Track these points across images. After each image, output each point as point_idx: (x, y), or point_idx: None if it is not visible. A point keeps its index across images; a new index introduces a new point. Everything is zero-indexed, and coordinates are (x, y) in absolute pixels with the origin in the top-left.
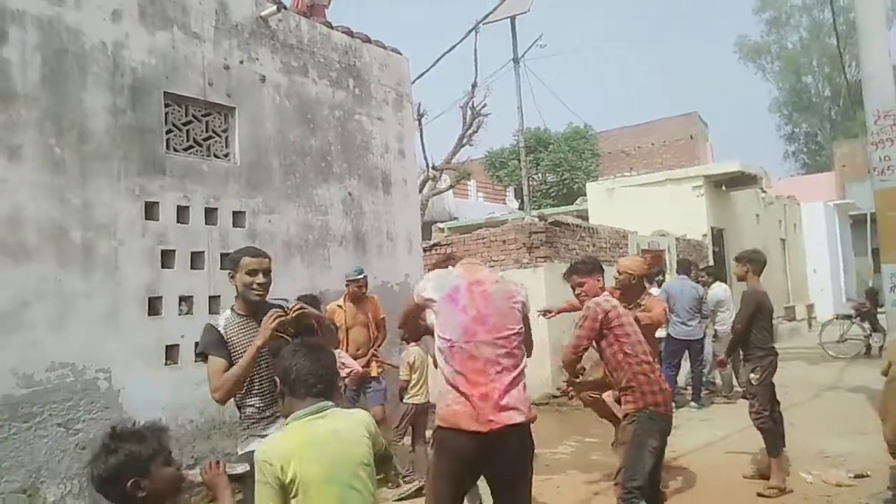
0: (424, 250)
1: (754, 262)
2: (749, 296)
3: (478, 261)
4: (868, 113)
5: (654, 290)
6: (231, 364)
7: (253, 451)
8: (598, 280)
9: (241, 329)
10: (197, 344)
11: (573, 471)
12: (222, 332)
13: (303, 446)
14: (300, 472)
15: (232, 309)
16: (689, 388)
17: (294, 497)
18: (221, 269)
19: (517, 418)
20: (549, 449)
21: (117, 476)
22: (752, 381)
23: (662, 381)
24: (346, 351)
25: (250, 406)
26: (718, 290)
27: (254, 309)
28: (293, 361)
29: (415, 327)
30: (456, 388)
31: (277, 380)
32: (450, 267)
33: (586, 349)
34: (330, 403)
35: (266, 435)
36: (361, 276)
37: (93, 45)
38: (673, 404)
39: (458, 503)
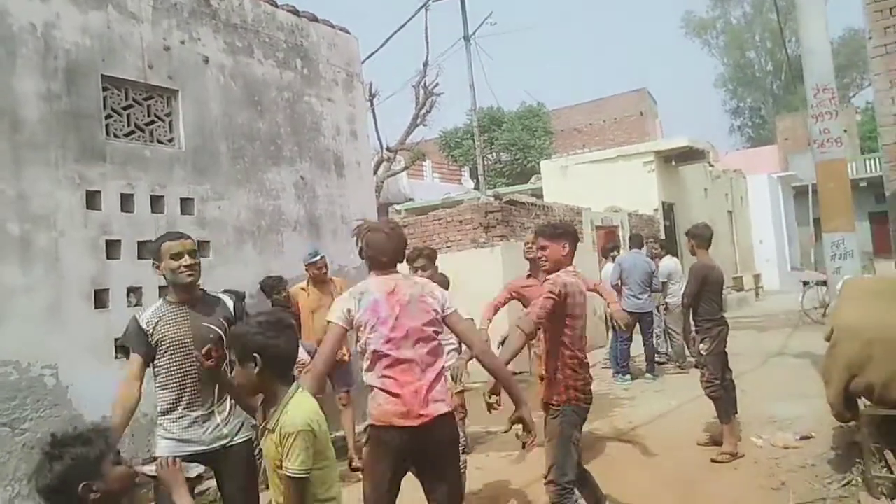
0: None
1: (697, 236)
2: (696, 269)
3: (395, 272)
4: (808, 87)
5: (609, 266)
6: (147, 361)
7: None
8: (564, 247)
9: (173, 318)
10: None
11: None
12: (144, 324)
13: (318, 413)
14: (321, 440)
15: (164, 299)
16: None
17: (319, 469)
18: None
19: (443, 409)
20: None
21: (66, 483)
22: (702, 352)
23: (589, 374)
24: (311, 335)
25: (161, 401)
26: (669, 262)
27: (187, 295)
28: (276, 340)
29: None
30: (386, 390)
31: (257, 357)
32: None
33: (541, 326)
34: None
35: (172, 436)
36: (318, 257)
37: (21, 27)
38: (629, 376)
39: (394, 492)
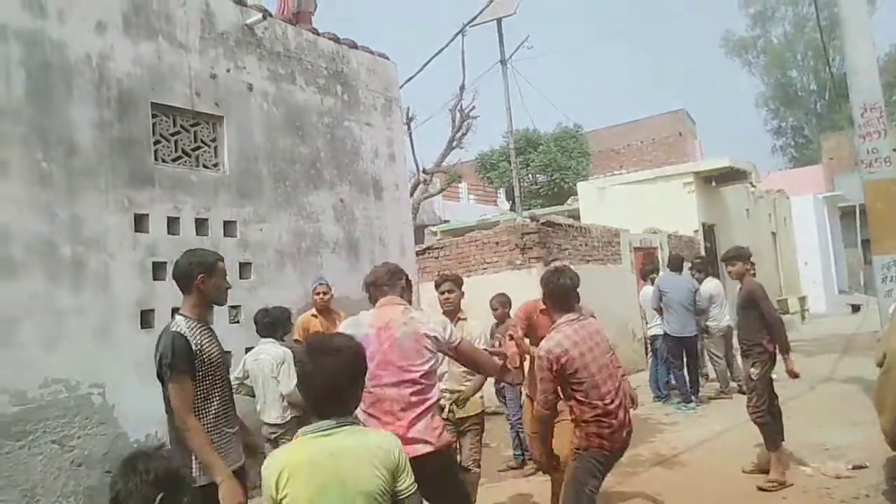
0: (417, 254)
1: (747, 258)
2: (760, 289)
3: (398, 300)
4: (854, 106)
5: (648, 288)
6: (195, 378)
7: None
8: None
9: (208, 336)
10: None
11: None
12: (194, 345)
13: (296, 465)
14: (290, 493)
15: (182, 315)
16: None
17: None
18: None
19: (423, 449)
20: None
21: (155, 487)
22: (752, 376)
23: (619, 419)
24: None
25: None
26: (710, 285)
27: (206, 313)
28: (308, 375)
29: None
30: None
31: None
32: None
33: (556, 397)
34: (335, 422)
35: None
36: (318, 283)
37: (77, 58)
38: (693, 402)
39: None
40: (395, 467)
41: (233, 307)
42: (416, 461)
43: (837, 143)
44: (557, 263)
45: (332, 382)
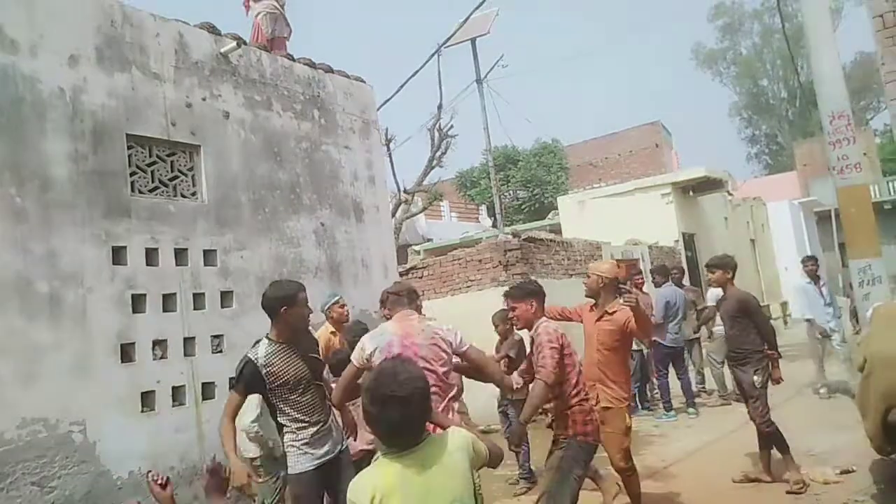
0: (400, 275)
1: (730, 266)
2: (747, 298)
3: (412, 313)
4: (823, 115)
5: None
6: (262, 392)
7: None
8: (532, 305)
9: (283, 356)
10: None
11: None
12: (261, 365)
13: (388, 487)
14: None
15: (268, 338)
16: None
17: None
18: (195, 309)
19: None
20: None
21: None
22: (756, 384)
23: (594, 412)
24: None
25: (297, 428)
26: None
27: (292, 336)
28: (380, 410)
29: (353, 392)
30: None
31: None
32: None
33: (559, 371)
34: (415, 440)
35: (311, 453)
36: (339, 297)
37: (51, 92)
38: (673, 412)
39: None
40: (474, 459)
41: (214, 337)
42: None
43: (810, 149)
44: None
45: (403, 426)
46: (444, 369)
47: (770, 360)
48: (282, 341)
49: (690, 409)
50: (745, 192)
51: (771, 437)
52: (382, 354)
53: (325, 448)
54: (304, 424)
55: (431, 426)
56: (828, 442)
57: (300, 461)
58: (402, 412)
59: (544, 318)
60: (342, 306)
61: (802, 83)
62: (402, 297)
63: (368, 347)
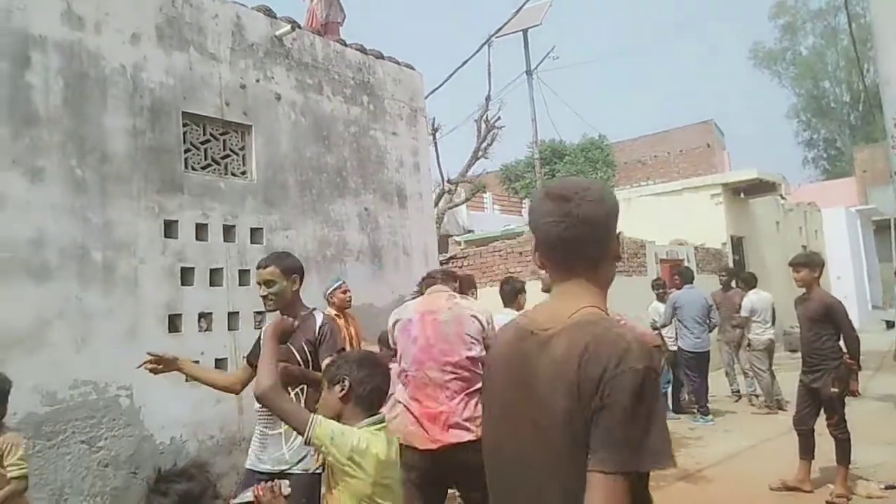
0: (441, 263)
1: (818, 265)
2: (832, 303)
3: (445, 288)
4: (887, 117)
5: (655, 303)
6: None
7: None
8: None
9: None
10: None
11: None
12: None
13: (389, 456)
14: (390, 477)
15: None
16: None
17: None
18: (240, 285)
19: (465, 437)
20: None
21: None
22: (834, 395)
23: None
24: None
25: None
26: (753, 297)
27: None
28: (367, 374)
29: None
30: (410, 411)
31: (347, 384)
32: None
33: None
34: (382, 416)
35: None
36: (341, 282)
37: (112, 69)
38: (710, 416)
39: None
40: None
41: (257, 313)
42: (454, 448)
43: (871, 155)
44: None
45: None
46: (469, 353)
47: (849, 369)
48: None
49: (702, 418)
50: (799, 197)
51: (842, 445)
52: (401, 337)
53: (265, 457)
54: (260, 417)
55: None
56: (874, 456)
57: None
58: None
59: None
60: (344, 292)
61: (867, 86)
62: (436, 278)
63: (392, 319)
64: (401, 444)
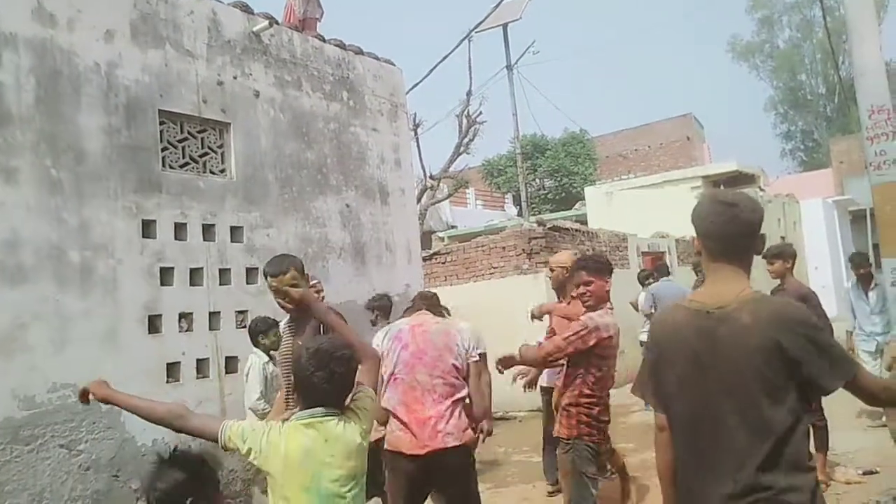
0: (424, 259)
1: (790, 256)
2: (808, 294)
3: (425, 312)
4: (862, 109)
5: (642, 295)
6: None
7: None
8: (607, 282)
9: (288, 330)
10: None
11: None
12: (281, 328)
13: (291, 450)
14: (272, 470)
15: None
16: None
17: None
18: (220, 284)
19: (451, 442)
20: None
21: (181, 493)
22: None
23: (603, 418)
24: None
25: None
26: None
27: (299, 314)
28: (308, 365)
29: None
30: (397, 416)
31: (292, 378)
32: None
33: (558, 361)
34: (321, 411)
35: None
36: (315, 281)
37: (86, 66)
38: None
39: None
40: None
41: (239, 312)
42: (441, 452)
43: (847, 146)
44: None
45: (340, 384)
46: (455, 362)
47: None
48: (293, 317)
49: None
50: (777, 189)
51: (820, 433)
52: (390, 338)
53: None
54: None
55: None
56: (852, 442)
57: None
58: (343, 370)
59: (607, 313)
60: (318, 291)
61: (843, 78)
62: (419, 303)
63: (379, 336)
64: (389, 451)
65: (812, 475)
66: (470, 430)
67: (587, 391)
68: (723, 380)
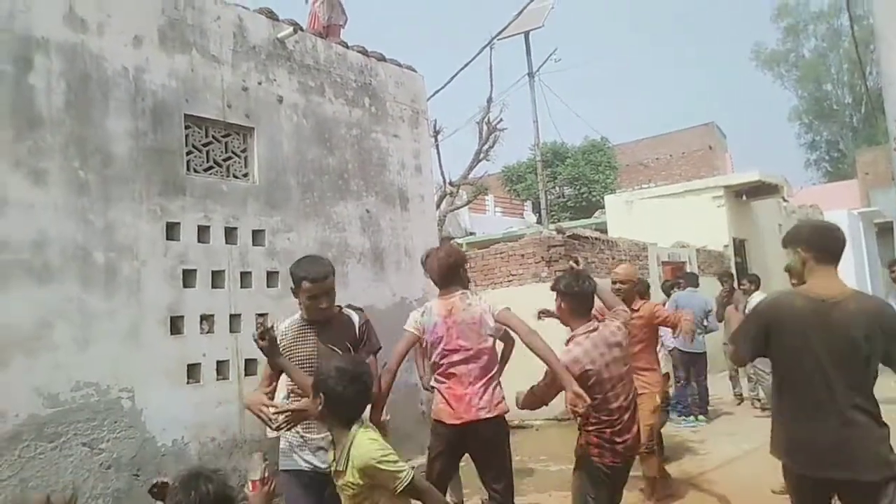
0: None
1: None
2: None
3: (457, 288)
4: (890, 119)
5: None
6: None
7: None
8: (571, 303)
9: (299, 334)
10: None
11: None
12: (280, 332)
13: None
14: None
15: (301, 315)
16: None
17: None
18: (242, 287)
19: (484, 415)
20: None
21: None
22: None
23: (622, 439)
24: None
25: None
26: (758, 298)
27: (316, 319)
28: (341, 386)
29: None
30: (441, 393)
31: (322, 395)
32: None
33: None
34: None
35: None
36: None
37: (115, 71)
38: (692, 417)
39: (449, 474)
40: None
41: (259, 315)
42: (475, 423)
43: (874, 157)
44: (575, 265)
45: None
46: (485, 345)
47: None
48: (305, 319)
49: (700, 417)
50: (801, 200)
51: None
52: (431, 336)
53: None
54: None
55: None
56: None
57: (291, 458)
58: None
59: (574, 345)
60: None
61: (870, 88)
62: (445, 274)
63: (419, 319)
64: (434, 420)
65: (882, 419)
66: (503, 403)
67: (592, 417)
68: (832, 350)
